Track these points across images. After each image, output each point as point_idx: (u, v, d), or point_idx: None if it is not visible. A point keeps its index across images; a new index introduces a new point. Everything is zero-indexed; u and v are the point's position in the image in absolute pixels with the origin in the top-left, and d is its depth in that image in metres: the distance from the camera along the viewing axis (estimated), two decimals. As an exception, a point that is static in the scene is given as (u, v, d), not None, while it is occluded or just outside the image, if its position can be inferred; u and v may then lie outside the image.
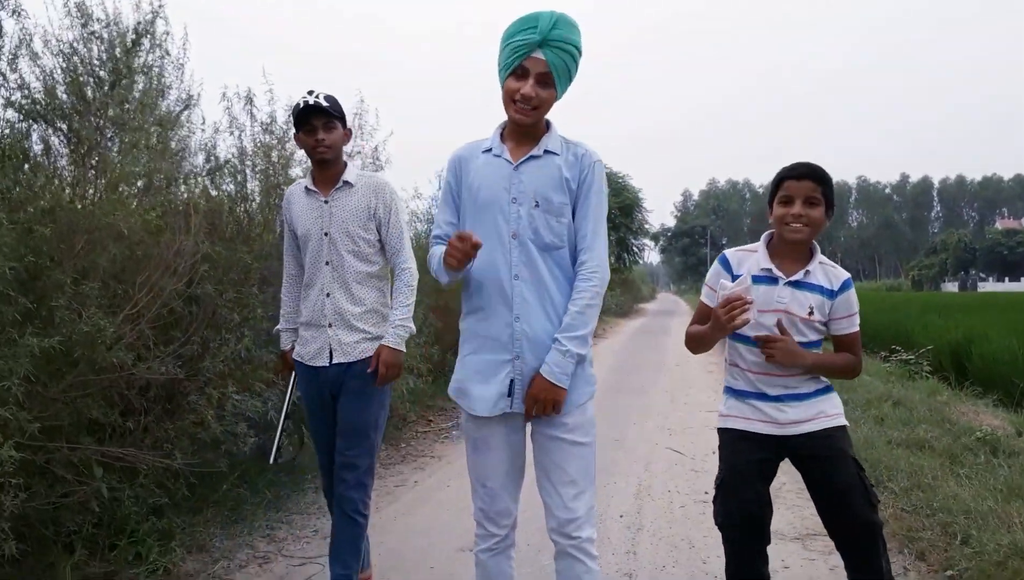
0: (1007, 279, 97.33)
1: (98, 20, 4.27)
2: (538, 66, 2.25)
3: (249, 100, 5.66)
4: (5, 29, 3.69)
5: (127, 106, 4.12)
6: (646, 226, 35.16)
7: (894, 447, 5.59)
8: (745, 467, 2.62)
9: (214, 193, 5.25)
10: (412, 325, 3.25)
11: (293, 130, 3.22)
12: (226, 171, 5.37)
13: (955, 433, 5.87)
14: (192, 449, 3.89)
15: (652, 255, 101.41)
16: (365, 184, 3.23)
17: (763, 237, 2.72)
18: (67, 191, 3.49)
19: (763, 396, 2.62)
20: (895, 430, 6.18)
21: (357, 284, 3.18)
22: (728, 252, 2.76)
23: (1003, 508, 4.02)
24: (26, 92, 3.93)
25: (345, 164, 3.25)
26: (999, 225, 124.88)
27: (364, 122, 7.01)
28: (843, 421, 2.66)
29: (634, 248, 33.96)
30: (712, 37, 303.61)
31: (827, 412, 2.62)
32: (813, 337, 2.62)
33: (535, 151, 2.37)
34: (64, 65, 4.08)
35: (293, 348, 3.35)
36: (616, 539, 4.22)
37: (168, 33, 4.56)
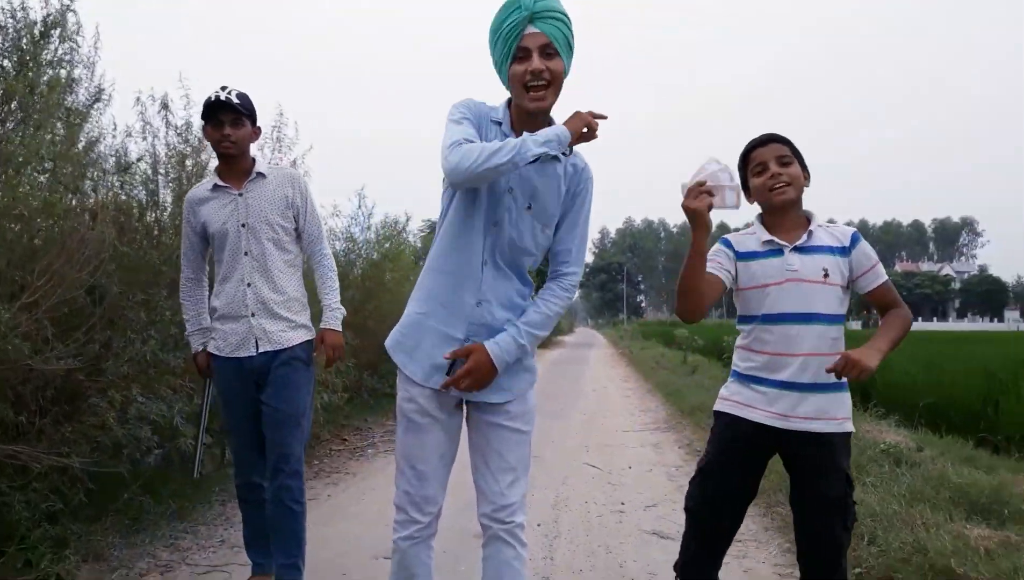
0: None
1: (2, 9, 4.11)
2: (537, 40, 2.15)
3: (164, 105, 5.51)
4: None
5: (33, 97, 3.94)
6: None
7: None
8: (732, 455, 2.51)
9: (123, 198, 5.06)
10: (343, 308, 3.39)
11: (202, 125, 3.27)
12: (136, 176, 5.19)
13: (860, 447, 6.04)
14: (92, 453, 3.69)
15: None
16: (279, 175, 3.30)
17: (755, 217, 2.62)
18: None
19: (779, 383, 2.43)
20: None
21: (278, 272, 3.21)
22: (729, 235, 2.61)
23: (906, 511, 4.15)
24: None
25: (254, 159, 3.29)
26: (898, 268, 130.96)
27: (283, 135, 6.91)
28: (849, 427, 2.46)
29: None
30: (623, 73, 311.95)
31: (834, 415, 2.42)
32: (833, 306, 2.44)
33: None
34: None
35: (204, 350, 3.33)
36: (534, 546, 4.18)
37: (79, 27, 4.40)
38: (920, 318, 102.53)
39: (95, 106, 4.34)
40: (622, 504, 5.13)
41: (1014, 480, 5.01)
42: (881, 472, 5.14)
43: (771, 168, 2.47)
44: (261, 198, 3.20)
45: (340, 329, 3.33)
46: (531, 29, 2.14)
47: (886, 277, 2.49)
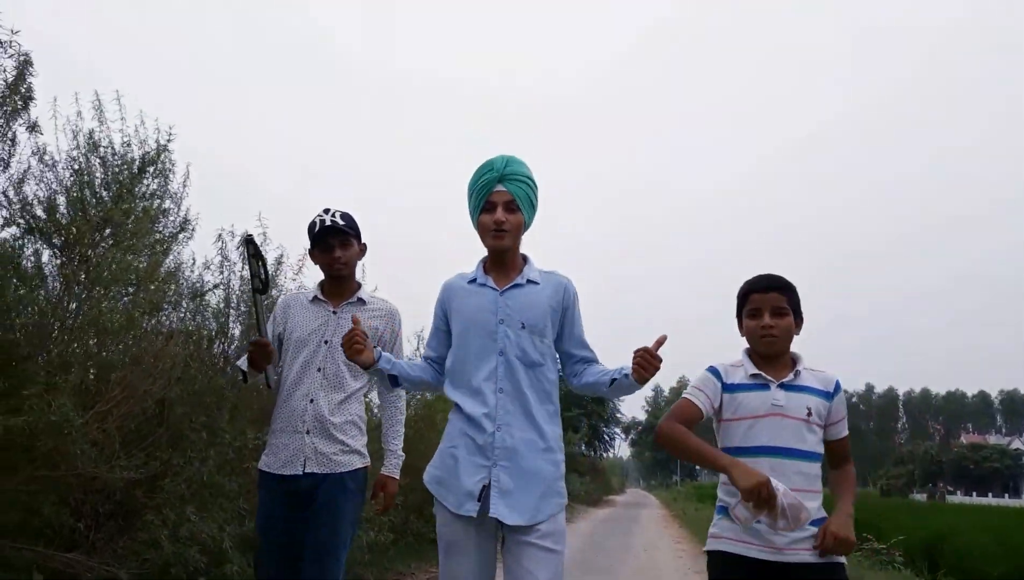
0: (974, 493, 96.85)
1: (104, 147, 4.52)
2: (503, 196, 2.61)
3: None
4: (19, 141, 3.86)
5: (125, 226, 4.26)
6: (618, 415, 35.19)
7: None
8: None
9: (193, 327, 5.31)
10: (403, 455, 3.31)
11: (308, 247, 3.25)
12: (209, 307, 5.46)
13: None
14: (140, 566, 3.71)
15: (623, 448, 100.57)
16: (378, 307, 3.27)
17: (742, 351, 2.68)
18: (55, 288, 3.54)
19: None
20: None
21: (344, 395, 3.13)
22: (716, 364, 2.68)
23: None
24: (28, 209, 4.09)
25: (359, 283, 3.30)
26: (964, 440, 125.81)
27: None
28: (839, 559, 2.45)
29: (605, 436, 33.78)
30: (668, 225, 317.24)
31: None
32: (812, 443, 2.48)
33: (519, 280, 2.66)
34: (69, 182, 4.25)
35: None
36: None
37: (172, 166, 4.80)
38: (990, 494, 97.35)
39: (179, 237, 4.65)
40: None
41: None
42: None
43: (765, 318, 2.56)
44: (349, 321, 3.03)
45: (398, 477, 3.25)
46: (499, 188, 2.61)
47: (848, 432, 2.60)
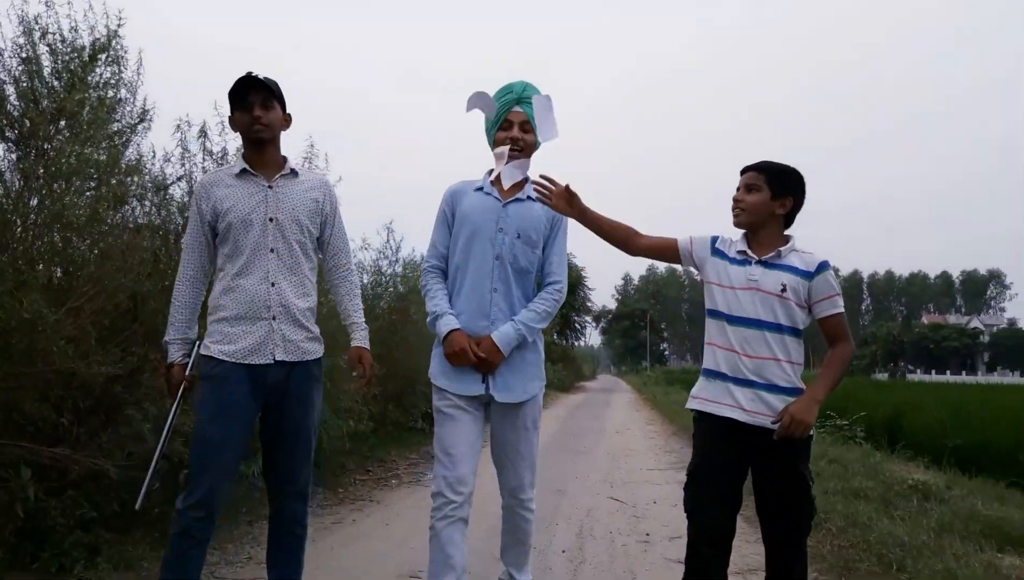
0: (934, 371, 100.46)
1: (52, 34, 4.30)
2: (519, 117, 3.00)
3: (203, 132, 5.67)
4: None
5: (81, 117, 4.10)
6: (588, 304, 35.63)
7: (831, 496, 5.67)
8: (718, 455, 2.68)
9: (159, 221, 5.20)
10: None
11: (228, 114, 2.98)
12: (173, 202, 5.34)
13: (888, 484, 5.99)
14: (125, 463, 3.76)
15: (593, 336, 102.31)
16: (311, 177, 3.08)
17: (742, 232, 2.87)
18: (13, 184, 3.43)
19: (737, 380, 2.66)
20: (831, 482, 6.27)
21: (304, 277, 2.96)
22: (720, 234, 2.92)
23: (936, 542, 4.12)
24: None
25: (285, 157, 3.04)
26: (925, 320, 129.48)
27: (314, 166, 7.05)
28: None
29: (576, 325, 34.27)
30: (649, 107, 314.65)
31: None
32: (785, 317, 2.65)
33: (520, 195, 3.06)
34: (18, 73, 4.06)
35: (182, 362, 2.92)
36: (559, 571, 4.18)
37: (124, 52, 4.58)
38: (948, 371, 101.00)
39: (138, 128, 4.49)
40: (647, 535, 5.10)
41: (1047, 517, 4.93)
42: (909, 507, 5.10)
43: (737, 193, 2.81)
44: (292, 196, 2.94)
45: (369, 347, 3.12)
46: (516, 108, 3.00)
47: (841, 310, 2.70)
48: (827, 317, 2.67)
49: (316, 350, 2.99)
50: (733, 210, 2.80)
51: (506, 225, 3.00)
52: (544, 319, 3.03)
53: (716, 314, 2.77)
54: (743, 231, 2.84)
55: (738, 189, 2.80)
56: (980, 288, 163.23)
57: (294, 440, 2.95)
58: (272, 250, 2.88)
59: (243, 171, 2.90)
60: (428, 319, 3.08)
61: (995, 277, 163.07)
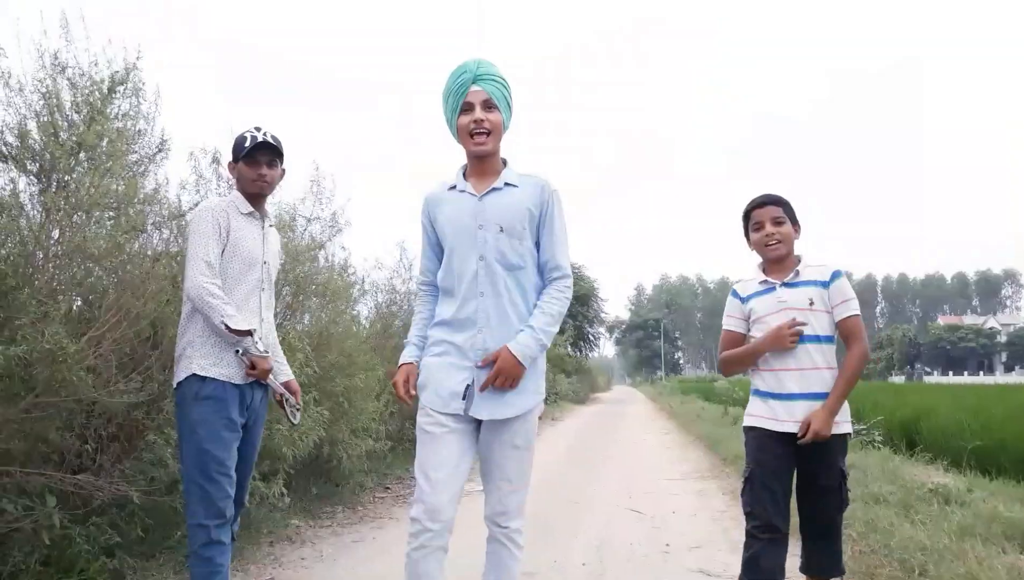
0: (951, 372, 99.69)
1: (71, 67, 4.38)
2: (479, 96, 2.62)
3: (215, 159, 5.75)
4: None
5: (100, 149, 4.17)
6: (602, 315, 35.65)
7: (851, 501, 5.65)
8: (770, 461, 2.96)
9: (176, 249, 5.27)
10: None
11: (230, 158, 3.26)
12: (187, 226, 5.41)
13: (908, 488, 5.97)
14: (148, 490, 3.80)
15: (607, 347, 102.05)
16: (274, 225, 3.49)
17: (757, 264, 3.20)
18: (35, 216, 3.51)
19: (780, 395, 2.97)
20: (851, 487, 6.24)
21: (272, 314, 3.37)
22: (735, 285, 3.27)
23: (957, 545, 4.10)
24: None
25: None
26: (941, 321, 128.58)
27: (321, 189, 7.11)
28: (846, 429, 2.99)
29: (590, 336, 34.26)
30: (660, 143, 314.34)
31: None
32: (820, 328, 2.97)
33: (496, 184, 2.69)
34: (39, 107, 4.14)
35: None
36: (580, 583, 4.19)
37: (142, 84, 4.66)
38: (966, 372, 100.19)
39: (156, 157, 4.57)
40: (667, 545, 5.10)
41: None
42: (930, 510, 5.08)
43: (767, 228, 3.04)
44: (272, 242, 3.35)
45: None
46: (474, 87, 2.61)
47: (857, 312, 3.00)
48: (844, 319, 2.98)
49: (279, 372, 3.32)
50: (768, 245, 3.04)
51: (485, 220, 2.64)
52: (558, 320, 2.70)
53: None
54: (757, 266, 3.17)
55: (759, 225, 3.06)
56: (994, 286, 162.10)
57: (253, 457, 3.26)
58: (263, 290, 3.22)
59: (250, 213, 3.22)
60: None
61: (1010, 276, 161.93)
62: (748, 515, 3.01)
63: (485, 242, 2.63)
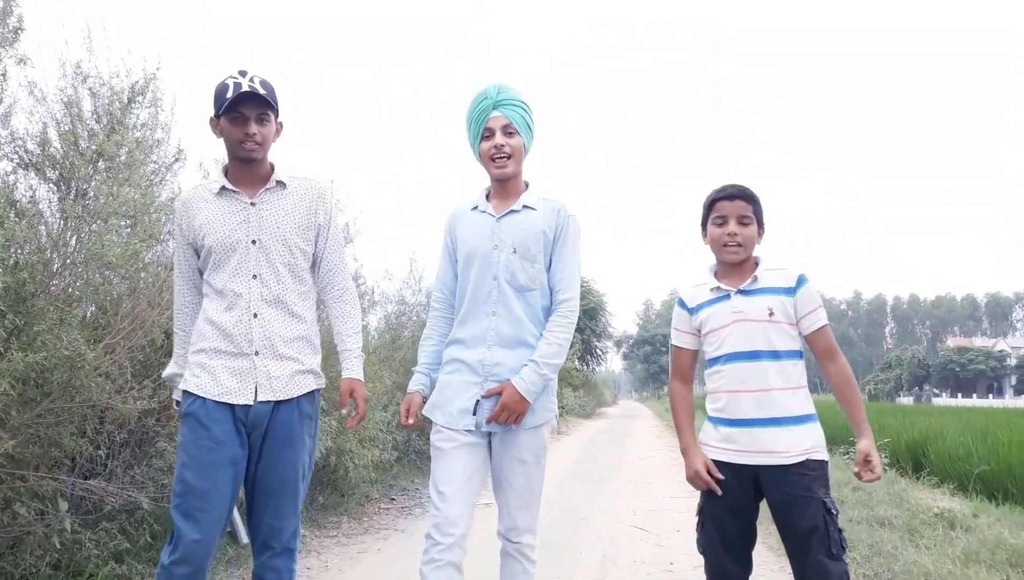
0: (960, 395, 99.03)
1: (92, 77, 4.46)
2: (499, 121, 2.69)
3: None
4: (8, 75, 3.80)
5: (118, 159, 4.24)
6: (610, 329, 35.63)
7: (855, 524, 5.66)
8: (724, 497, 2.57)
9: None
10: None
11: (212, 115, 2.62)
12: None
13: (913, 511, 5.96)
14: (158, 496, 3.85)
15: (615, 361, 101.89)
16: (301, 186, 2.73)
17: (708, 267, 2.76)
18: (54, 224, 3.57)
19: (737, 422, 2.57)
20: (855, 510, 6.25)
21: (292, 304, 2.66)
22: (682, 292, 2.84)
23: (961, 571, 4.10)
24: (20, 143, 4.06)
25: (272, 164, 2.71)
26: (951, 343, 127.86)
27: (335, 199, 7.19)
28: (821, 455, 2.51)
29: (597, 350, 34.24)
30: (666, 160, 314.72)
31: (802, 444, 2.49)
32: (780, 343, 2.56)
33: (514, 206, 2.75)
34: (60, 116, 4.22)
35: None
36: (583, 600, 4.20)
37: (161, 94, 4.74)
38: (975, 395, 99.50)
39: (173, 166, 4.64)
40: (671, 564, 5.10)
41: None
42: (935, 535, 5.07)
43: (730, 225, 2.63)
44: (279, 212, 2.64)
45: (363, 378, 2.82)
46: (495, 113, 2.69)
47: (826, 322, 2.60)
48: (814, 332, 2.58)
49: (307, 384, 2.68)
50: (728, 245, 2.63)
51: (501, 241, 2.70)
52: (564, 348, 2.68)
53: (712, 361, 2.69)
54: (709, 269, 2.74)
55: (722, 220, 2.65)
56: (1006, 310, 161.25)
57: (278, 488, 2.60)
58: (255, 277, 2.59)
59: (222, 189, 2.62)
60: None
61: (1021, 299, 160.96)
62: (702, 555, 2.69)
63: (499, 263, 2.70)
